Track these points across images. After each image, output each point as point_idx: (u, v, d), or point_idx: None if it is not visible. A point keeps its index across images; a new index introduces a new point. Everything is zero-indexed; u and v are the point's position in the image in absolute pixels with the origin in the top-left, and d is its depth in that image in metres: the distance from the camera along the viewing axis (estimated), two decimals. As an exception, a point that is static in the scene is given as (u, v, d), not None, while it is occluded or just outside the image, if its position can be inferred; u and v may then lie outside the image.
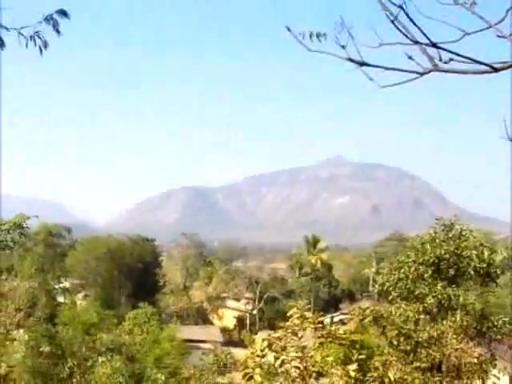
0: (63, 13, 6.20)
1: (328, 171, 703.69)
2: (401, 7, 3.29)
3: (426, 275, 14.92)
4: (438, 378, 12.34)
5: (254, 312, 56.43)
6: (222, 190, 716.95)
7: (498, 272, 15.34)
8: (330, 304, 56.29)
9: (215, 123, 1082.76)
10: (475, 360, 12.07)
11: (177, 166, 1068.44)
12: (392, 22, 3.33)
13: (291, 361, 7.09)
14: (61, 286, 44.02)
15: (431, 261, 14.93)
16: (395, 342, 12.58)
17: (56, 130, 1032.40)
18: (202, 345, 38.86)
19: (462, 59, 3.38)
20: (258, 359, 7.17)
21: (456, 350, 12.13)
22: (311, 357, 7.19)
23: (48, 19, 6.03)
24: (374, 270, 58.43)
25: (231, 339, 50.40)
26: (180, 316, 50.74)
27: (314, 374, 7.12)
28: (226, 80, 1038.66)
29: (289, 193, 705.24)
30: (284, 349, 7.18)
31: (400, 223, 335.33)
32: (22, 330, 26.49)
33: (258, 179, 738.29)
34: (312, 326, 7.44)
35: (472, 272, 14.74)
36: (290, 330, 7.34)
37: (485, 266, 14.66)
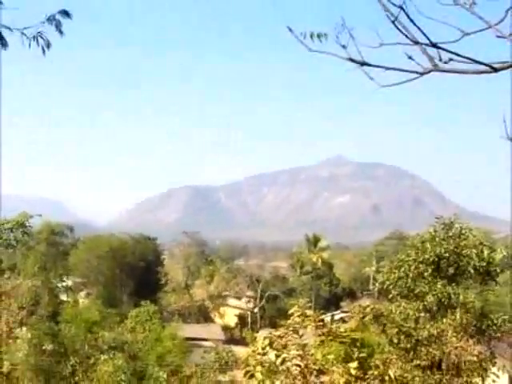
0: (65, 13, 6.27)
1: (328, 171, 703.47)
2: (401, 8, 3.30)
3: (426, 274, 14.96)
4: (437, 376, 12.40)
5: (256, 310, 56.55)
6: (223, 190, 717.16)
7: (498, 270, 15.38)
8: (331, 302, 56.38)
9: (215, 123, 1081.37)
10: (475, 358, 12.12)
11: (177, 166, 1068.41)
12: (392, 22, 3.34)
13: (292, 359, 7.11)
14: (63, 284, 44.21)
15: (431, 259, 14.98)
16: (395, 340, 12.64)
17: (56, 130, 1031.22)
18: (203, 343, 38.98)
19: (462, 59, 3.38)
20: (259, 357, 7.20)
21: (456, 348, 12.18)
22: (312, 355, 7.22)
23: (51, 19, 6.09)
24: (374, 268, 58.50)
25: (233, 337, 50.53)
26: (182, 314, 50.89)
27: (314, 372, 7.14)
28: (226, 80, 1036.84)
29: (289, 192, 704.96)
30: (285, 347, 7.22)
31: (400, 222, 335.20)
32: (24, 328, 26.61)
33: (258, 179, 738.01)
34: (313, 324, 7.47)
35: (472, 270, 14.79)
36: (291, 328, 7.38)
37: (484, 264, 14.70)
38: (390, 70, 3.49)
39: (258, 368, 7.10)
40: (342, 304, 56.86)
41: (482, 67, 3.41)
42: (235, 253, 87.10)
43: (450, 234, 15.28)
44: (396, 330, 12.67)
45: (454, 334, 12.47)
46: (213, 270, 59.78)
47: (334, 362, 7.29)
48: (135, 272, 46.50)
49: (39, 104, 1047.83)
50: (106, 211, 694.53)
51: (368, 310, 12.41)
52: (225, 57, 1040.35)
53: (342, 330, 7.70)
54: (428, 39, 3.34)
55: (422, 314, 14.36)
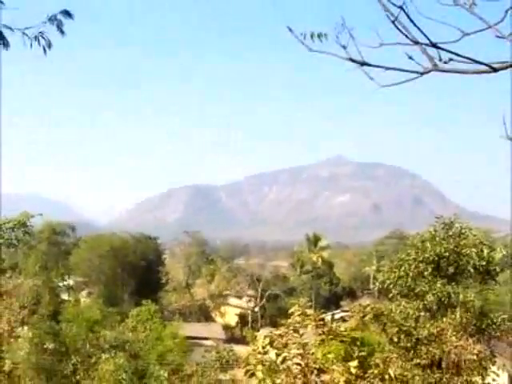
0: (67, 13, 6.31)
1: (328, 170, 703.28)
2: (401, 8, 3.31)
3: (426, 273, 15.00)
4: (437, 375, 12.43)
5: (256, 309, 56.62)
6: (224, 189, 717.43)
7: (498, 270, 15.43)
8: (331, 301, 56.45)
9: (215, 123, 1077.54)
10: (475, 357, 12.14)
11: (177, 166, 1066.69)
12: (392, 22, 3.32)
13: (293, 358, 7.14)
14: (64, 283, 44.34)
15: (431, 259, 15.02)
16: (395, 339, 12.67)
17: (56, 129, 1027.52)
18: (204, 342, 39.06)
19: (462, 59, 3.38)
20: (259, 356, 7.24)
21: (456, 347, 12.21)
22: (312, 354, 7.25)
23: (52, 19, 6.12)
24: (374, 267, 58.53)
25: (233, 336, 50.60)
26: (182, 313, 50.97)
27: (315, 371, 7.16)
28: (226, 80, 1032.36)
29: (290, 192, 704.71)
30: (285, 346, 7.26)
31: (400, 221, 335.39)
32: (26, 327, 26.69)
33: (259, 178, 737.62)
34: (313, 323, 7.52)
35: (471, 270, 14.83)
36: (291, 328, 7.42)
37: (484, 263, 14.74)
38: (390, 70, 3.48)
39: (259, 367, 7.14)
40: (343, 303, 56.91)
41: (482, 67, 3.43)
42: (236, 252, 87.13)
43: (450, 234, 15.32)
44: (396, 329, 12.70)
45: (454, 333, 12.49)
46: (213, 270, 59.84)
47: (335, 360, 7.30)
48: (136, 271, 46.59)
49: (39, 104, 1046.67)
50: (106, 211, 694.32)
51: (368, 309, 12.45)
52: (225, 57, 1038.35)
53: (342, 329, 7.73)
54: (428, 39, 3.35)
55: (422, 313, 14.40)
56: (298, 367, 7.15)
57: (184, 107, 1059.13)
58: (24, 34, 5.95)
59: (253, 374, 7.18)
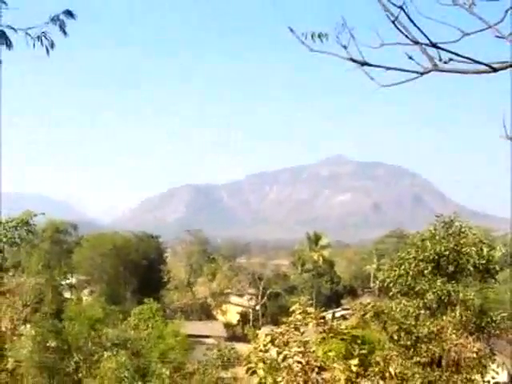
0: (69, 13, 6.36)
1: (329, 169, 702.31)
2: (401, 8, 3.31)
3: (426, 271, 15.04)
4: (437, 373, 12.51)
5: (257, 308, 56.73)
6: (225, 188, 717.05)
7: (497, 268, 15.44)
8: (332, 300, 56.55)
9: (215, 123, 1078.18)
10: (474, 355, 12.21)
11: (178, 166, 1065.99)
12: (392, 22, 3.33)
13: (294, 356, 7.16)
14: (67, 282, 44.47)
15: (431, 257, 15.05)
16: (396, 337, 12.75)
17: (56, 129, 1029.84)
18: (205, 340, 39.17)
19: (462, 59, 3.38)
20: (260, 354, 7.27)
21: (455, 345, 12.27)
22: (313, 352, 7.26)
23: (55, 20, 6.17)
24: (374, 266, 58.62)
25: (235, 334, 50.71)
26: (184, 311, 51.09)
27: (316, 369, 7.17)
28: (226, 80, 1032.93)
29: (291, 191, 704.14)
30: (287, 344, 7.29)
31: (400, 220, 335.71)
32: (28, 326, 26.78)
33: (259, 177, 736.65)
34: (314, 321, 7.55)
35: (471, 268, 14.85)
36: (292, 326, 7.46)
37: (484, 262, 14.76)
38: (390, 70, 3.49)
39: (260, 365, 7.16)
40: (343, 301, 57.00)
41: (482, 67, 3.43)
42: (237, 251, 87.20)
43: (450, 232, 15.35)
44: (396, 327, 12.78)
45: (454, 332, 12.55)
46: (215, 268, 59.96)
47: (335, 358, 7.30)
48: (138, 270, 46.72)
49: (39, 104, 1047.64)
50: (107, 211, 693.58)
51: (369, 307, 12.54)
52: (225, 57, 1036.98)
53: (342, 327, 7.77)
54: (428, 39, 3.35)
55: (422, 312, 14.45)
56: (299, 365, 7.17)
57: (184, 107, 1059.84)
58: (27, 34, 6.01)
59: (254, 372, 7.20)
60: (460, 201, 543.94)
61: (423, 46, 3.39)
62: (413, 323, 13.24)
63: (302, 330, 7.48)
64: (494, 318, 14.71)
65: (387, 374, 8.12)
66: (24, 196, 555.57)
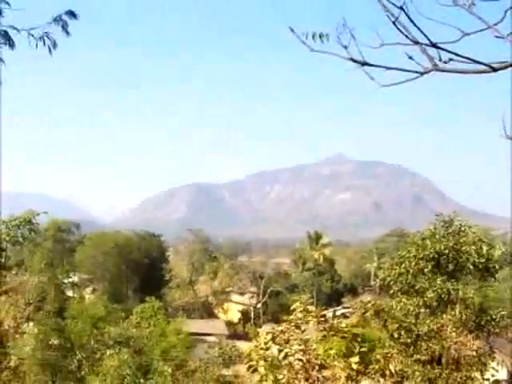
0: (72, 14, 6.44)
1: (329, 169, 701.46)
2: (401, 8, 3.32)
3: (426, 270, 15.11)
4: (437, 371, 12.58)
5: (258, 306, 56.85)
6: (226, 188, 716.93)
7: (497, 267, 15.51)
8: (333, 298, 56.65)
9: (215, 123, 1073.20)
10: (474, 353, 12.28)
11: (178, 166, 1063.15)
12: (393, 22, 3.34)
13: (294, 353, 7.22)
14: (69, 280, 44.54)
15: (431, 256, 15.12)
16: (396, 335, 12.80)
17: (56, 129, 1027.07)
18: (207, 338, 39.32)
19: (462, 59, 3.39)
20: (262, 352, 7.33)
21: (455, 343, 12.34)
22: (314, 350, 7.33)
23: (57, 20, 6.25)
24: (375, 264, 58.67)
25: (236, 332, 50.85)
26: (186, 310, 51.25)
27: (316, 367, 7.24)
28: (226, 80, 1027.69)
29: (291, 190, 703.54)
30: (287, 342, 7.36)
31: (401, 219, 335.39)
32: (31, 324, 26.91)
33: (260, 177, 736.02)
34: (315, 319, 7.61)
35: (471, 267, 14.91)
36: (293, 324, 7.53)
37: (483, 260, 14.82)
38: (390, 70, 3.49)
39: (261, 362, 7.22)
40: (344, 300, 57.07)
41: (482, 67, 3.44)
42: (238, 249, 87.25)
43: (450, 231, 15.40)
44: (397, 325, 12.84)
45: (454, 330, 12.61)
46: (216, 267, 60.12)
47: (336, 356, 7.36)
48: (140, 268, 46.86)
49: (39, 104, 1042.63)
50: (107, 211, 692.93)
51: (369, 305, 12.61)
52: (225, 57, 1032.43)
53: (343, 325, 7.83)
54: (428, 39, 3.36)
55: (422, 310, 14.51)
56: (300, 363, 7.22)
57: (184, 107, 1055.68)
58: (30, 34, 6.10)
59: (255, 370, 7.26)
60: (460, 200, 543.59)
61: (423, 46, 3.40)
62: (413, 321, 13.30)
63: (302, 328, 7.55)
64: (494, 317, 14.78)
65: (387, 372, 8.19)
66: (24, 195, 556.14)
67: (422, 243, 15.43)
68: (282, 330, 7.52)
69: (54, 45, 6.24)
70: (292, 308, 7.81)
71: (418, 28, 3.34)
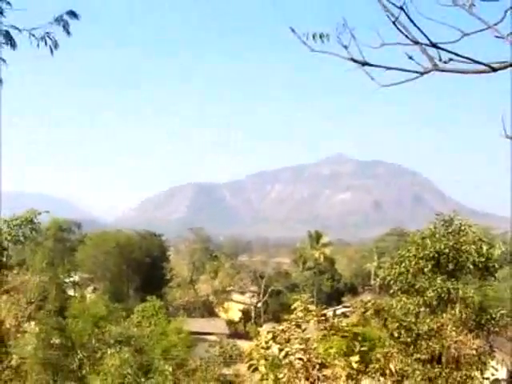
0: (73, 14, 6.47)
1: (330, 168, 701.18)
2: (401, 8, 3.33)
3: (426, 269, 15.13)
4: (437, 370, 12.61)
5: (259, 305, 56.94)
6: (226, 187, 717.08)
7: (497, 266, 15.52)
8: (333, 297, 56.68)
9: (215, 123, 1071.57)
10: (474, 352, 12.31)
11: (178, 166, 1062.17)
12: (393, 22, 3.35)
13: (295, 352, 7.29)
14: (71, 279, 44.65)
15: (431, 255, 15.14)
16: (396, 335, 12.83)
17: (56, 129, 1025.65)
18: (208, 337, 39.40)
19: (462, 59, 3.40)
20: (262, 351, 7.40)
21: (455, 342, 12.37)
22: (314, 349, 7.38)
23: (58, 20, 6.27)
24: (375, 264, 58.70)
25: (236, 331, 50.93)
26: (187, 309, 51.35)
27: (317, 366, 7.31)
28: (226, 80, 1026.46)
29: (292, 190, 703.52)
30: (288, 341, 7.42)
31: (401, 219, 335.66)
32: (33, 323, 26.99)
33: (260, 177, 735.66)
34: (315, 318, 7.68)
35: (471, 266, 14.93)
36: (293, 323, 7.59)
37: (483, 260, 14.84)
38: (390, 70, 3.50)
39: (262, 361, 7.28)
40: (344, 299, 57.08)
41: (482, 67, 3.45)
42: (239, 249, 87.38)
43: (450, 231, 15.42)
44: (397, 324, 12.87)
45: (454, 329, 12.63)
46: (217, 266, 60.21)
47: (336, 355, 7.41)
48: (141, 267, 46.94)
49: (39, 104, 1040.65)
50: (109, 211, 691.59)
51: (369, 304, 12.63)
52: (225, 57, 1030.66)
53: (343, 324, 7.89)
54: (428, 39, 3.37)
55: (422, 309, 14.54)
56: (301, 362, 7.27)
57: (184, 107, 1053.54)
58: (31, 34, 6.12)
59: (256, 369, 7.32)
60: (460, 199, 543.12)
61: (423, 46, 3.41)
62: (413, 320, 13.33)
63: (303, 328, 7.60)
64: (494, 316, 14.81)
65: (387, 371, 8.25)
66: (25, 195, 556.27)
67: (422, 242, 15.45)
68: (282, 329, 7.57)
69: (56, 45, 6.26)
70: (292, 307, 7.86)
71: (418, 28, 3.35)
